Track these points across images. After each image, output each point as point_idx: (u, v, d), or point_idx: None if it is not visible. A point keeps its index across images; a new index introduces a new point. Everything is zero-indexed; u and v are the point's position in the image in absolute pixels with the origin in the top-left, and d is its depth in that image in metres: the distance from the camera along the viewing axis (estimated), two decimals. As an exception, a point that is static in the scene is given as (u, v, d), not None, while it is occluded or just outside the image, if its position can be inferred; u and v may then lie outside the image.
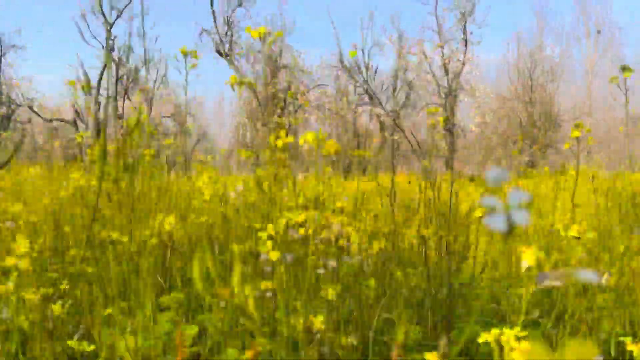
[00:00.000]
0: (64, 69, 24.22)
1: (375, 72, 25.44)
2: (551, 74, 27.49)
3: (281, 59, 23.22)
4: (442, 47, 23.64)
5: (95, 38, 23.52)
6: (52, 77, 45.59)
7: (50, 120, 22.78)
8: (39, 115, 22.75)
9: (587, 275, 0.62)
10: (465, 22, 23.32)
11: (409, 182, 4.26)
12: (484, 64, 34.89)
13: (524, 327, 1.03)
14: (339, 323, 1.59)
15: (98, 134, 22.62)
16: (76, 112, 22.32)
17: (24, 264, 1.29)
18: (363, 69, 25.47)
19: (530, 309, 1.82)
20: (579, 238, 1.49)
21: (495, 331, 0.99)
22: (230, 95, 38.35)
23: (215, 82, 41.37)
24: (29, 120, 23.97)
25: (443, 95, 23.56)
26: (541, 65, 26.85)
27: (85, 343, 1.42)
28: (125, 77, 25.81)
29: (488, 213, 0.49)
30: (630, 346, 1.22)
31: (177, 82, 31.05)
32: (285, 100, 22.57)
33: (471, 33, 23.36)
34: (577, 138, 2.42)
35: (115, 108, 25.23)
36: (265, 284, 1.45)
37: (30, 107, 22.42)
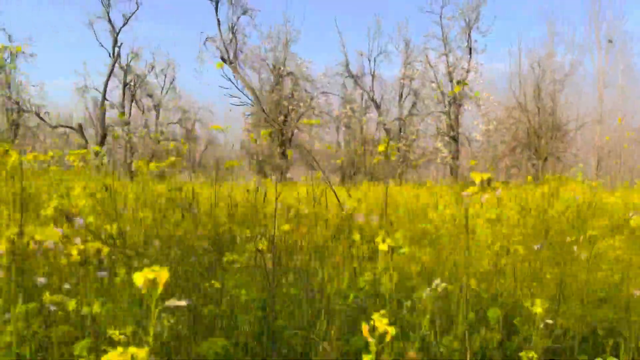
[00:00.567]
0: (71, 75, 24.45)
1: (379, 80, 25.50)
2: (561, 83, 27.31)
3: (285, 66, 23.30)
4: (446, 55, 23.59)
5: (102, 45, 23.78)
6: (61, 83, 46.09)
7: (56, 127, 23.03)
8: (45, 122, 23.01)
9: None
10: (470, 31, 23.27)
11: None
12: (489, 72, 34.71)
13: None
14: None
15: (102, 141, 22.86)
16: (79, 125, 22.57)
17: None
18: (369, 77, 25.50)
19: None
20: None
21: None
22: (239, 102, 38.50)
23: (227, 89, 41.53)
24: (37, 126, 24.28)
25: (447, 104, 23.48)
26: (550, 74, 26.66)
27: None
28: (132, 83, 26.03)
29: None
30: None
31: (185, 88, 31.29)
32: (289, 108, 22.63)
33: (475, 41, 23.31)
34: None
35: (122, 114, 25.45)
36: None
37: (37, 114, 22.68)
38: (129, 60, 25.62)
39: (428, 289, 1.81)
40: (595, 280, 2.09)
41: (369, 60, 25.54)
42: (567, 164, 26.11)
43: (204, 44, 23.24)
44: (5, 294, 1.40)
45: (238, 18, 23.21)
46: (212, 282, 1.90)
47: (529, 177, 8.98)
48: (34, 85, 24.28)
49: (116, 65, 24.86)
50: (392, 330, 1.19)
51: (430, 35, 24.20)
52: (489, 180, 1.68)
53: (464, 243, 1.82)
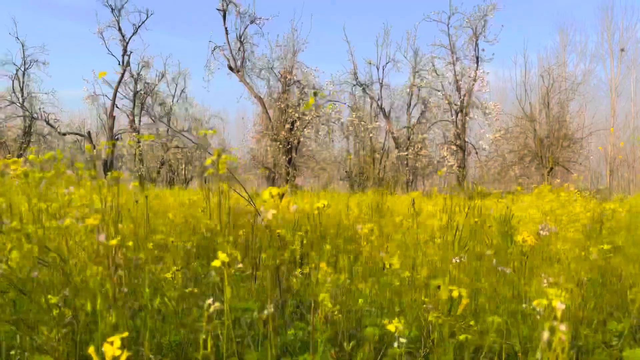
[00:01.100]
0: (83, 83, 24.79)
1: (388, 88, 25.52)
2: (572, 92, 27.08)
3: (292, 75, 23.43)
4: (453, 64, 23.56)
5: (111, 54, 24.13)
6: (74, 92, 46.87)
7: (64, 134, 23.38)
8: (54, 129, 23.37)
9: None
10: (477, 40, 23.23)
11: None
12: (502, 81, 34.53)
13: None
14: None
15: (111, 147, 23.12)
16: (88, 132, 22.91)
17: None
18: (378, 85, 25.52)
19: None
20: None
21: None
22: (251, 110, 38.83)
23: (243, 97, 41.97)
24: (49, 133, 24.66)
25: (454, 112, 23.42)
26: (559, 83, 26.47)
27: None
28: (142, 91, 26.32)
29: None
30: None
31: (196, 97, 31.46)
32: (295, 116, 22.72)
33: (483, 50, 23.25)
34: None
35: (132, 121, 25.74)
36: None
37: (47, 121, 23.06)
38: (140, 69, 26.00)
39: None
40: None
41: (377, 69, 25.60)
42: (579, 172, 25.89)
43: (212, 53, 23.49)
44: None
45: (246, 27, 23.46)
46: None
47: (534, 186, 8.90)
48: (46, 93, 24.78)
49: (126, 73, 25.22)
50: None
51: (437, 44, 24.23)
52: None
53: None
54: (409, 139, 24.97)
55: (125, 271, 1.60)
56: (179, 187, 22.72)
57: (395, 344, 1.66)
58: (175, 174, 29.76)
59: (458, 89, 23.70)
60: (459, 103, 23.57)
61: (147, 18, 24.08)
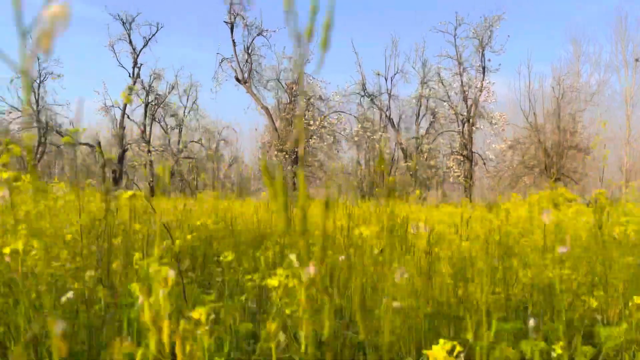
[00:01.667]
0: (95, 95, 25.34)
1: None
2: (585, 102, 26.82)
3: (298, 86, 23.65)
4: (460, 74, 23.57)
5: (122, 66, 24.63)
6: (91, 104, 47.78)
7: (75, 144, 23.83)
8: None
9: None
10: (483, 50, 23.23)
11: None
12: (512, 92, 34.32)
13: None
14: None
15: (121, 158, 23.55)
16: (98, 142, 23.31)
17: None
18: (386, 96, 25.60)
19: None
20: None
21: None
22: (261, 121, 39.13)
23: (251, 108, 42.44)
24: (63, 144, 25.17)
25: (460, 123, 23.39)
26: (570, 94, 26.26)
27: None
28: (153, 102, 26.73)
29: None
30: None
31: (210, 108, 31.76)
32: (305, 128, 22.89)
33: (489, 60, 23.24)
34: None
35: (143, 132, 26.14)
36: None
37: (58, 131, 23.57)
38: (151, 80, 26.47)
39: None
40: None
41: (386, 80, 25.69)
42: (589, 182, 25.55)
43: (220, 64, 23.84)
44: None
45: (253, 39, 23.80)
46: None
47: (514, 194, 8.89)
48: (60, 105, 25.34)
49: (138, 85, 25.68)
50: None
51: (444, 55, 24.28)
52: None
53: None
54: (417, 149, 24.97)
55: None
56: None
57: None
58: (187, 183, 30.09)
59: (465, 99, 23.68)
60: (465, 113, 23.54)
61: (157, 31, 24.58)
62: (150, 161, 25.69)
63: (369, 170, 27.78)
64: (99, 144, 23.27)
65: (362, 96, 25.45)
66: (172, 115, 29.11)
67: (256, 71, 23.93)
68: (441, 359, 1.00)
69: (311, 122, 22.64)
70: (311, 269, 0.75)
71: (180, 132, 29.67)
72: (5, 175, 2.38)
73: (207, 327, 1.08)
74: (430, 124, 25.59)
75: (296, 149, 22.82)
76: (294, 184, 22.73)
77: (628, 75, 35.38)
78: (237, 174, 35.55)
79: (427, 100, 25.40)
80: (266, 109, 23.51)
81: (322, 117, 23.50)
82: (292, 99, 23.52)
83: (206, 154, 30.06)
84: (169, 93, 26.97)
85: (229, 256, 2.25)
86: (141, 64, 24.87)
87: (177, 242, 2.10)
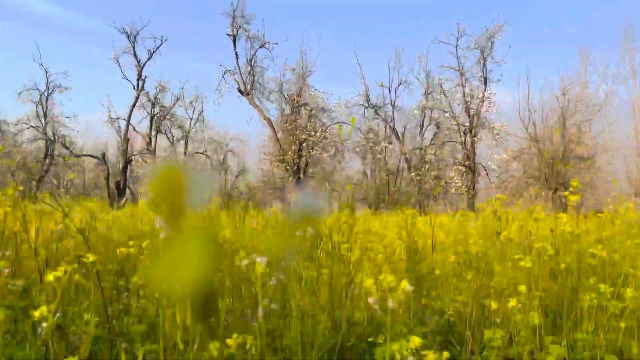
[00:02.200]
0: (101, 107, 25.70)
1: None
2: (592, 113, 26.66)
3: (300, 98, 23.78)
4: (462, 85, 23.56)
5: (126, 79, 24.94)
6: (95, 115, 48.44)
7: (79, 156, 24.15)
8: (69, 151, 24.17)
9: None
10: (485, 61, 23.22)
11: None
12: (515, 103, 34.19)
13: None
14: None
15: (125, 169, 23.78)
16: (102, 154, 23.61)
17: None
18: (390, 107, 25.61)
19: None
20: None
21: None
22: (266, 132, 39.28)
23: (254, 119, 42.64)
24: (70, 156, 25.50)
25: (462, 133, 23.34)
26: (574, 104, 26.12)
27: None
28: (158, 114, 26.98)
29: None
30: None
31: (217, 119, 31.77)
32: (302, 138, 22.96)
33: (490, 71, 23.22)
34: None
35: (148, 144, 26.37)
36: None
37: (63, 144, 23.88)
38: (157, 92, 26.75)
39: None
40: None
41: (390, 91, 25.68)
42: (598, 193, 25.27)
43: (223, 76, 24.05)
44: None
45: (255, 51, 24.00)
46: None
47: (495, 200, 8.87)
48: (68, 117, 25.66)
49: (143, 97, 25.99)
50: None
51: (446, 66, 24.30)
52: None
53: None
54: (421, 160, 24.91)
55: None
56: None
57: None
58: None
59: (467, 110, 23.64)
60: (467, 124, 23.49)
61: (161, 44, 24.90)
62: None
63: (375, 181, 27.78)
64: (103, 155, 23.57)
65: (366, 107, 25.49)
66: (179, 127, 29.39)
67: (259, 83, 24.12)
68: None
69: (312, 133, 22.71)
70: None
71: (186, 143, 29.92)
72: None
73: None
74: (434, 135, 25.56)
75: (297, 161, 22.93)
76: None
77: (635, 84, 35.14)
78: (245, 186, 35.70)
79: (431, 111, 25.39)
80: (268, 120, 23.64)
81: (325, 127, 23.58)
82: (295, 110, 23.62)
83: (211, 165, 30.26)
84: (174, 105, 27.26)
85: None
86: (145, 77, 25.20)
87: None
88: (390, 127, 25.62)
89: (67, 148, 24.13)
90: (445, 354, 1.35)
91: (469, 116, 23.53)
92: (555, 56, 51.52)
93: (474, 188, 23.00)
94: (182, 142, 29.87)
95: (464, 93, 23.72)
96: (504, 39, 26.89)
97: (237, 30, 23.61)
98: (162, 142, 29.13)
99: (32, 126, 24.11)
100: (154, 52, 24.80)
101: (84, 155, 24.54)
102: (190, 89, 51.97)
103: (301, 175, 23.04)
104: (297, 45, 50.63)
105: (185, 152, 29.30)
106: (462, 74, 23.83)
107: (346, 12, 52.29)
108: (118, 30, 24.77)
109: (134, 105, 25.06)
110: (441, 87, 24.17)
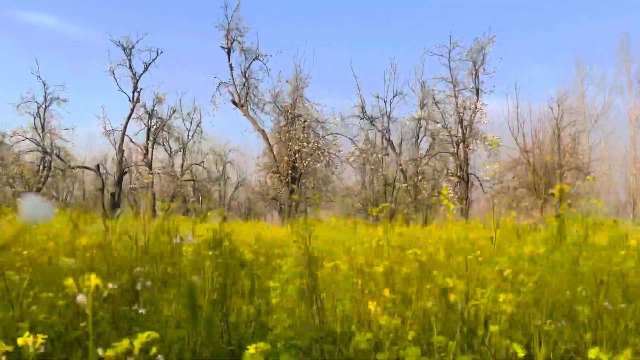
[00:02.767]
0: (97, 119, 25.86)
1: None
2: (590, 123, 26.76)
3: (295, 109, 23.95)
4: (455, 96, 23.72)
5: (122, 91, 25.16)
6: (92, 128, 48.79)
7: (74, 168, 24.34)
8: (65, 163, 24.35)
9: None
10: (477, 72, 23.39)
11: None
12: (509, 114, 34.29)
13: None
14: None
15: (120, 180, 23.93)
16: (97, 165, 23.80)
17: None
18: (385, 119, 25.73)
19: None
20: None
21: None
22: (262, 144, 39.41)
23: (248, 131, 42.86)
24: (66, 168, 25.68)
25: (455, 144, 23.46)
26: (569, 114, 26.23)
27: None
28: (155, 126, 27.14)
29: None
30: None
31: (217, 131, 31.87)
32: (296, 149, 23.09)
33: (482, 82, 23.39)
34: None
35: (145, 155, 26.51)
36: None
37: (58, 155, 24.06)
38: (154, 104, 26.91)
39: None
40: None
41: (385, 102, 25.80)
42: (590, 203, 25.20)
43: (217, 88, 24.25)
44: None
45: (250, 64, 24.20)
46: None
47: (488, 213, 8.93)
48: (65, 129, 25.84)
49: (140, 109, 26.17)
50: None
51: (439, 77, 24.47)
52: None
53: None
54: (417, 170, 25.00)
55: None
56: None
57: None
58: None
59: (460, 121, 23.78)
60: (460, 135, 23.61)
61: (157, 56, 25.14)
62: (152, 182, 25.99)
63: (372, 191, 27.85)
64: (97, 167, 23.74)
65: (362, 119, 25.62)
66: (177, 139, 29.54)
67: (253, 94, 24.30)
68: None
69: (304, 144, 22.86)
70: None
71: (183, 155, 30.08)
72: None
73: None
74: (430, 146, 25.68)
75: (291, 172, 23.04)
76: (290, 206, 22.86)
77: (632, 95, 35.20)
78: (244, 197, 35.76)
79: (427, 122, 25.51)
80: (262, 132, 23.81)
81: (319, 137, 23.73)
82: (289, 121, 23.79)
83: (209, 176, 30.38)
84: (170, 116, 27.43)
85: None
86: (141, 88, 25.41)
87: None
88: (386, 138, 25.74)
89: (63, 160, 24.30)
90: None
91: (462, 127, 23.66)
92: (553, 68, 51.77)
93: (467, 198, 23.05)
94: (180, 153, 30.04)
95: (456, 104, 23.88)
96: (496, 50, 27.02)
97: (232, 43, 23.85)
98: (160, 154, 29.30)
99: (27, 138, 24.30)
100: (149, 64, 25.06)
101: (79, 167, 24.71)
102: (188, 100, 52.40)
103: (295, 186, 23.15)
104: (291, 57, 51.03)
105: (182, 164, 29.45)
106: (454, 85, 24.00)
107: (342, 24, 52.93)
108: (114, 43, 25.02)
109: (129, 117, 25.27)
110: (434, 98, 24.36)
